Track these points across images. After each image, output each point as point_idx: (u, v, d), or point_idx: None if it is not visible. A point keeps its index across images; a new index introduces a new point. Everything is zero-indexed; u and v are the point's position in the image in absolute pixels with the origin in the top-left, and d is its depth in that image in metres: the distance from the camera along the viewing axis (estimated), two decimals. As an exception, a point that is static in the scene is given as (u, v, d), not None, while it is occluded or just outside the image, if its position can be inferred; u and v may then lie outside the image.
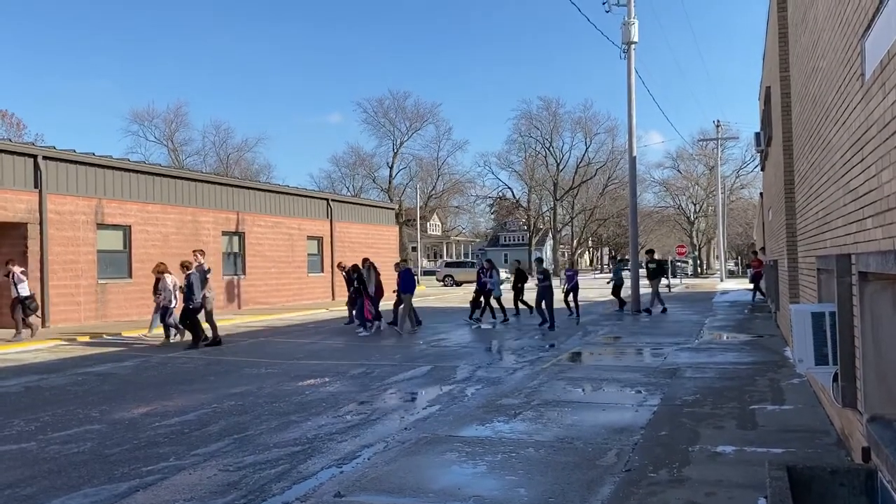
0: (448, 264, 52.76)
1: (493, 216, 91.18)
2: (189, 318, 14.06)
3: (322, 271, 29.60)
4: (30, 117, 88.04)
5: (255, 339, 15.61)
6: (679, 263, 46.88)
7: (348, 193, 65.59)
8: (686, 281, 46.77)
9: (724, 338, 14.19)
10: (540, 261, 20.08)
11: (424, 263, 71.44)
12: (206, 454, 6.11)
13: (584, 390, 8.71)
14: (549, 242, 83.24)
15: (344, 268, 18.46)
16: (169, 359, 12.47)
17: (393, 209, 39.24)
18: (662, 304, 20.63)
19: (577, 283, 19.38)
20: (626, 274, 22.86)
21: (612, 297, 21.95)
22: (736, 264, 67.94)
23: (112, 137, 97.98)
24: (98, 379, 10.37)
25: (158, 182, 21.78)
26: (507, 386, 9.11)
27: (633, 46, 21.45)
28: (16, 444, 6.54)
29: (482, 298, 19.13)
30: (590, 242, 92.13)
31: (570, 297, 19.27)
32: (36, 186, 17.78)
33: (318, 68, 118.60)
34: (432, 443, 6.31)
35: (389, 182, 71.62)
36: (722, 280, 46.56)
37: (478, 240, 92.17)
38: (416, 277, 18.56)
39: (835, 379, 5.14)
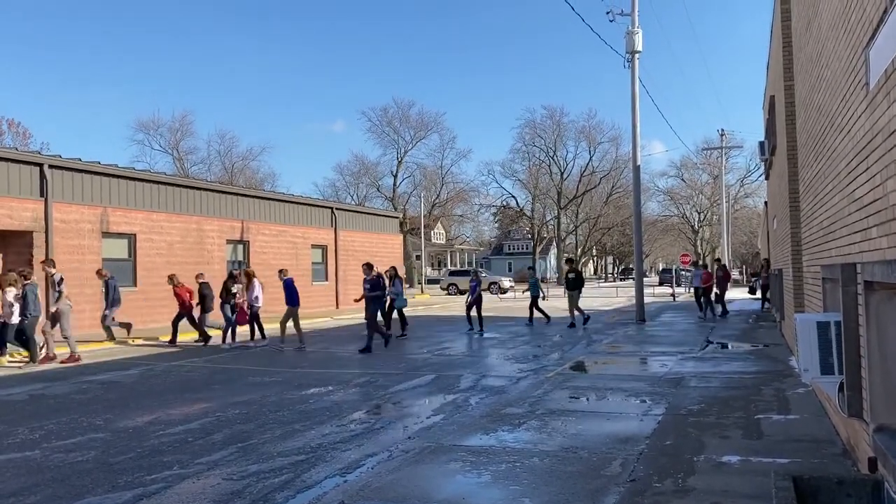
0: (452, 273, 52.73)
1: (497, 225, 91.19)
2: (24, 334, 12.95)
3: (326, 280, 29.61)
4: (35, 126, 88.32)
5: (260, 348, 15.61)
6: (683, 272, 46.70)
7: (352, 202, 65.68)
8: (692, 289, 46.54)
9: (729, 347, 14.14)
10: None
11: (428, 272, 71.42)
12: (209, 463, 6.11)
13: (588, 399, 8.68)
14: (553, 251, 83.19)
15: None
16: (173, 367, 12.48)
17: (397, 218, 39.28)
18: (584, 313, 19.35)
19: (479, 295, 18.47)
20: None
21: (532, 310, 20.63)
22: (741, 273, 67.82)
23: (117, 146, 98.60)
24: (102, 387, 10.37)
25: (163, 191, 21.85)
26: (511, 395, 9.09)
27: (636, 56, 21.49)
28: (20, 453, 6.54)
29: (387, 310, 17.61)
30: (594, 251, 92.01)
31: (473, 310, 18.42)
32: (42, 195, 17.85)
33: (322, 77, 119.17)
34: (436, 452, 6.29)
35: (394, 191, 71.70)
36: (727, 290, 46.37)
37: (482, 248, 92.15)
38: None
39: (840, 388, 5.12)
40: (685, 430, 6.93)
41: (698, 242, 75.80)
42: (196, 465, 6.02)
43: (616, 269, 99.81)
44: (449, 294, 47.14)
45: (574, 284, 19.47)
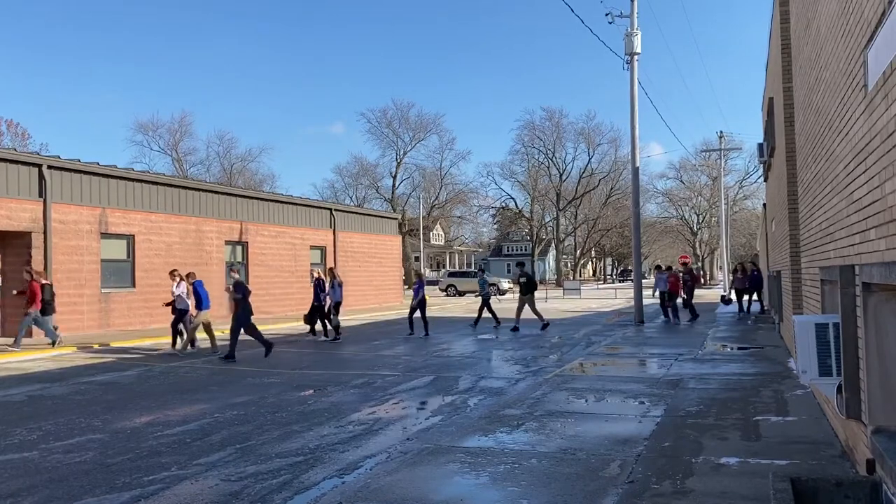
0: (451, 274, 52.77)
1: (495, 226, 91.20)
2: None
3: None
4: (34, 127, 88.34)
5: (258, 349, 15.59)
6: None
7: (352, 203, 65.68)
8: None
9: (728, 349, 14.14)
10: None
11: (427, 273, 71.40)
12: (207, 464, 6.10)
13: (586, 401, 8.68)
14: (552, 252, 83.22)
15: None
16: (172, 368, 12.47)
17: (396, 219, 39.27)
18: (541, 318, 18.92)
19: (423, 298, 17.78)
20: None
21: (486, 313, 20.15)
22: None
23: (116, 147, 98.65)
24: (100, 388, 10.36)
25: (162, 192, 21.85)
26: (509, 396, 9.09)
27: (635, 58, 21.50)
28: (18, 453, 6.54)
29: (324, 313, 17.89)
30: (593, 253, 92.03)
31: (417, 313, 17.95)
32: (40, 196, 17.84)
33: (321, 78, 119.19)
34: (435, 453, 6.29)
35: (393, 192, 71.74)
36: (725, 291, 46.43)
37: (480, 250, 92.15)
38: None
39: (839, 390, 5.12)
40: (684, 431, 6.93)
41: (697, 244, 75.81)
42: (194, 467, 6.02)
43: (615, 270, 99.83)
44: (448, 295, 47.14)
45: (526, 289, 18.96)
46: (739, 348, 14.12)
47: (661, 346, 14.75)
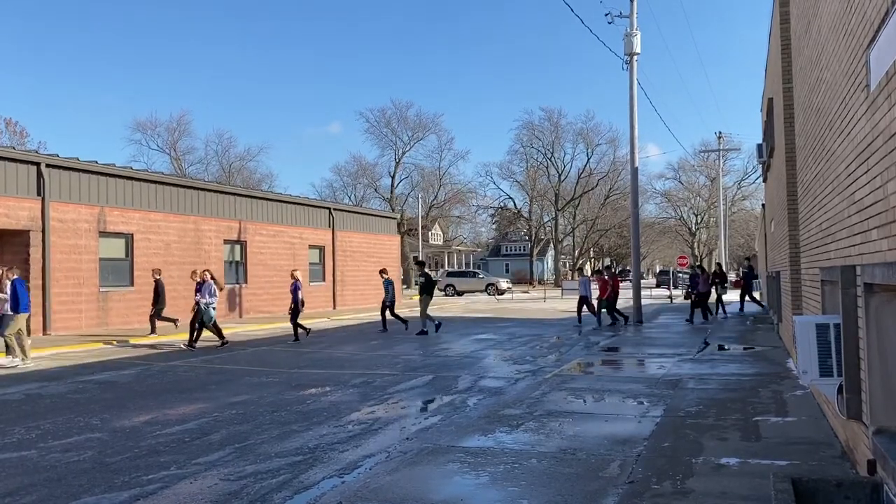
0: (450, 274, 52.68)
1: (494, 226, 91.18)
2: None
3: (324, 280, 29.57)
4: (33, 125, 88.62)
5: (257, 348, 15.58)
6: (680, 274, 46.76)
7: (350, 203, 65.64)
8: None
9: (727, 349, 14.14)
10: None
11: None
12: (207, 463, 6.09)
13: (586, 401, 8.67)
14: (551, 252, 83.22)
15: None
16: (170, 367, 12.45)
17: (395, 219, 39.25)
18: (434, 321, 18.08)
19: (298, 299, 16.76)
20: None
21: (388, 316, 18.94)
22: (737, 275, 67.98)
23: (115, 146, 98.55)
24: (99, 387, 10.34)
25: (161, 190, 21.82)
26: (509, 396, 9.08)
27: (635, 58, 21.51)
28: (16, 452, 6.52)
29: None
30: (591, 253, 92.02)
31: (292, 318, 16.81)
32: (39, 194, 17.81)
33: (320, 78, 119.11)
34: (434, 453, 6.28)
35: (391, 191, 71.69)
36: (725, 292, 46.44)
37: (479, 250, 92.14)
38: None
39: (839, 391, 5.12)
40: (683, 431, 6.92)
41: (695, 245, 75.90)
42: (193, 466, 6.00)
43: (614, 271, 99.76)
44: (447, 295, 47.09)
45: (424, 288, 18.24)
46: (738, 349, 14.12)
47: (659, 346, 14.75)
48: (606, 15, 21.67)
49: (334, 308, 29.59)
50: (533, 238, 78.03)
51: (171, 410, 8.48)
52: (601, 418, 7.64)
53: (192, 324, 15.50)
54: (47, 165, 18.03)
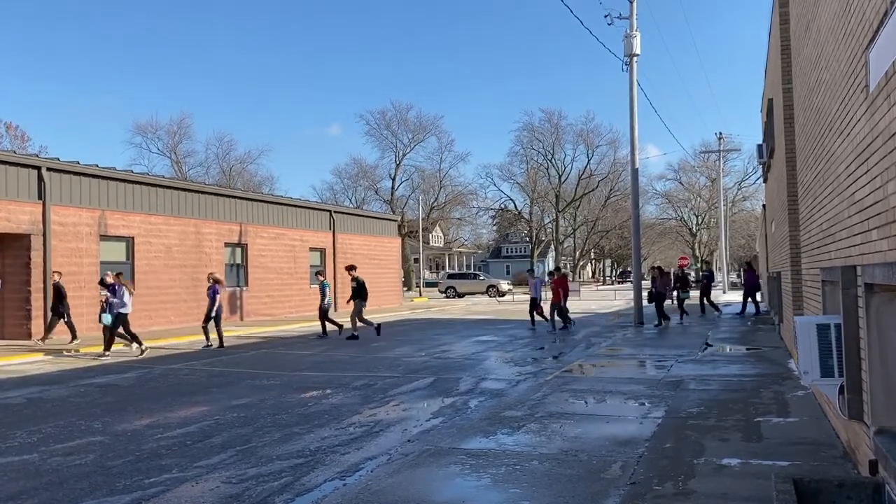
0: (450, 276, 52.68)
1: (495, 228, 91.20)
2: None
3: (324, 283, 29.55)
4: (33, 129, 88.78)
5: (258, 351, 15.59)
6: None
7: (351, 205, 65.67)
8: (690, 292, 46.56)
9: (728, 350, 14.13)
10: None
11: (427, 275, 71.35)
12: (208, 466, 6.09)
13: (587, 402, 8.67)
14: (552, 254, 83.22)
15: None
16: (171, 370, 12.45)
17: (395, 221, 39.26)
18: (369, 323, 17.92)
19: (215, 302, 15.90)
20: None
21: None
22: (738, 276, 67.96)
23: (115, 149, 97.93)
24: (100, 390, 10.34)
25: (161, 193, 21.83)
26: (510, 398, 9.08)
27: (634, 59, 21.52)
28: (17, 456, 6.52)
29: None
30: (592, 254, 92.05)
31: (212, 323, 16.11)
32: (39, 198, 17.82)
33: (320, 80, 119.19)
34: (436, 455, 6.28)
35: (392, 194, 71.69)
36: (724, 292, 46.45)
37: (480, 251, 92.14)
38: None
39: (841, 391, 5.12)
40: (685, 432, 6.92)
41: (696, 245, 75.89)
42: (195, 469, 6.00)
43: (614, 271, 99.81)
44: (447, 297, 47.10)
45: (356, 293, 17.96)
46: (739, 349, 14.11)
47: (660, 347, 14.75)
48: (606, 16, 21.68)
49: (336, 310, 29.55)
50: (534, 240, 78.04)
51: (172, 413, 8.48)
52: (602, 419, 7.64)
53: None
54: (48, 169, 18.04)
